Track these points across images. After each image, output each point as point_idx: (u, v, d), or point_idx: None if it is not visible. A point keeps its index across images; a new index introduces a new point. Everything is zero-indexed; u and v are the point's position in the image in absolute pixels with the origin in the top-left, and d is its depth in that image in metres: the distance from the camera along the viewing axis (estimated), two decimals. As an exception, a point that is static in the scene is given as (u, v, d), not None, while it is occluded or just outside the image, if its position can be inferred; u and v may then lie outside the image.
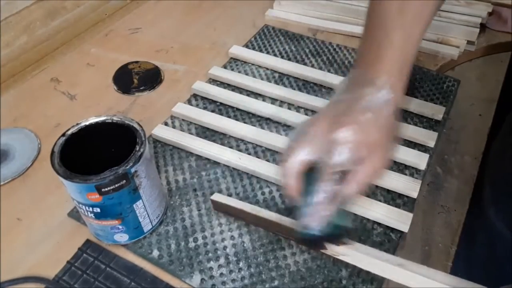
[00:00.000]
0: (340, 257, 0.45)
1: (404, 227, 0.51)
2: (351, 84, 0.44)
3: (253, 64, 0.76)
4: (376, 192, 0.56)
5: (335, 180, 0.40)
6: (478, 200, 0.64)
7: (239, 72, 0.74)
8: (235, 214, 0.52)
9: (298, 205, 0.42)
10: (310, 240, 0.44)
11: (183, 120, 0.66)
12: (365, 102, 0.41)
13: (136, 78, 0.74)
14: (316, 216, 0.41)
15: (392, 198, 0.55)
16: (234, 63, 0.76)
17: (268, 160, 0.59)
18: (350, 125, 0.40)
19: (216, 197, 0.53)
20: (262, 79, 0.73)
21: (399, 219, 0.52)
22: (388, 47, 0.43)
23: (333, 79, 0.71)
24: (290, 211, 0.54)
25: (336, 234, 0.44)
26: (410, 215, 0.52)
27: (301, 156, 0.41)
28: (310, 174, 0.42)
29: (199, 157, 0.60)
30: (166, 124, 0.65)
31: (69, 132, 0.47)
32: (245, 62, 0.76)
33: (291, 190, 0.43)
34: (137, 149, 0.45)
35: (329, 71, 0.74)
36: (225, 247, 0.51)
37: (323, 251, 0.46)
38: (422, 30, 0.44)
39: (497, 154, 0.65)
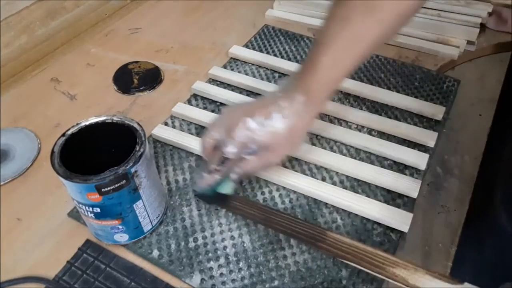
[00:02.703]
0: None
1: (404, 227, 0.51)
2: (283, 87, 0.50)
3: (253, 64, 0.76)
4: (376, 192, 0.56)
5: (222, 161, 0.51)
6: (487, 204, 0.64)
7: (239, 72, 0.74)
8: (234, 205, 0.53)
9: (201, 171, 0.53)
10: (197, 194, 0.55)
11: (183, 120, 0.66)
12: (274, 109, 0.48)
13: (136, 78, 0.74)
14: (202, 180, 0.51)
15: (392, 198, 0.55)
16: (234, 63, 0.76)
17: (268, 160, 0.59)
18: (246, 126, 0.48)
19: None
20: (262, 79, 0.73)
21: (399, 219, 0.52)
22: (315, 68, 0.47)
23: (333, 79, 0.71)
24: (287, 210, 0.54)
25: (215, 197, 0.52)
26: (410, 215, 0.52)
27: (210, 136, 0.51)
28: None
29: (199, 157, 0.60)
30: (166, 124, 0.65)
31: (69, 132, 0.47)
32: (245, 62, 0.76)
33: (204, 156, 0.53)
34: (137, 149, 0.45)
35: (329, 71, 0.73)
36: (225, 247, 0.51)
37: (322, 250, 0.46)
38: (358, 54, 0.46)
39: (510, 158, 0.65)
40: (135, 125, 0.48)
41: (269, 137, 0.48)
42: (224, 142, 0.50)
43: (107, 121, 0.48)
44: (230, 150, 0.49)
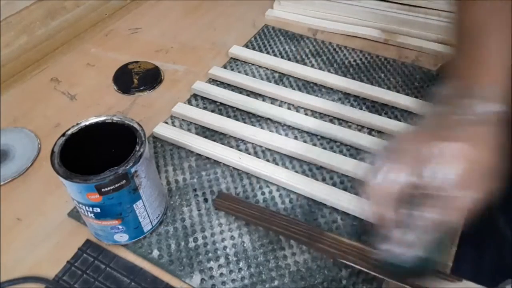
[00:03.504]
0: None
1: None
2: (449, 96, 0.38)
3: (253, 64, 0.76)
4: (376, 192, 0.56)
5: (435, 206, 0.34)
6: (485, 207, 0.64)
7: (239, 72, 0.74)
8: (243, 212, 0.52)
9: (384, 231, 0.36)
10: (391, 271, 0.39)
11: (183, 120, 0.66)
12: (473, 114, 0.35)
13: (136, 78, 0.74)
14: (405, 246, 0.35)
15: (392, 198, 0.55)
16: (234, 63, 0.76)
17: (268, 160, 0.59)
18: (459, 139, 0.34)
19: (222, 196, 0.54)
20: (262, 79, 0.73)
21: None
22: (484, 53, 0.38)
23: (333, 79, 0.71)
24: (287, 210, 0.54)
25: (422, 268, 0.37)
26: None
27: (396, 178, 0.34)
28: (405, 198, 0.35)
29: (199, 157, 0.60)
30: (166, 124, 0.65)
31: (69, 132, 0.47)
32: (245, 62, 0.76)
33: (384, 219, 0.35)
34: (137, 149, 0.45)
35: (329, 71, 0.74)
36: (225, 247, 0.51)
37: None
38: None
39: (508, 160, 0.64)
40: (135, 125, 0.48)
41: (490, 156, 0.35)
42: (429, 172, 0.34)
43: (107, 121, 0.48)
44: (446, 178, 0.33)
